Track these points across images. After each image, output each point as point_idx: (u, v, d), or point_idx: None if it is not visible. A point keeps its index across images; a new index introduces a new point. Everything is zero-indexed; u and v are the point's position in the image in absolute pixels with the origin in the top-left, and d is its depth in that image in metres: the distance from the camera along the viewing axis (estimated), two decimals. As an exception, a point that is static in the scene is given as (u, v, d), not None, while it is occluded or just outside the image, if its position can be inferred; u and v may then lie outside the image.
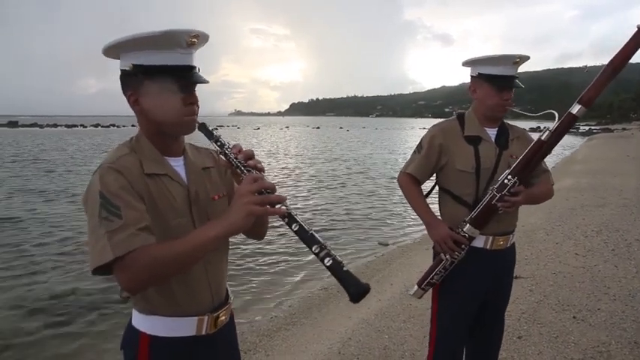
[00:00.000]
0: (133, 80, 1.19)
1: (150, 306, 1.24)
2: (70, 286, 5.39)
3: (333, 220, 9.00)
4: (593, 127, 64.10)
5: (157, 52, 1.14)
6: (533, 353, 3.11)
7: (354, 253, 6.85)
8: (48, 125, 76.19)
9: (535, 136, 1.92)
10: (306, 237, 1.11)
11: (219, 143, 1.27)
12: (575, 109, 1.75)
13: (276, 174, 16.20)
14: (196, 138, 1.33)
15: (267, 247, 6.91)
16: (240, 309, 4.86)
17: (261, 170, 1.23)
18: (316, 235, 1.11)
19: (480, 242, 1.97)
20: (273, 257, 6.54)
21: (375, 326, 3.75)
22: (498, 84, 1.93)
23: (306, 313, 4.61)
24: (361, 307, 4.35)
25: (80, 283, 5.49)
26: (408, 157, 2.19)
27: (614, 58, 1.67)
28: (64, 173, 15.79)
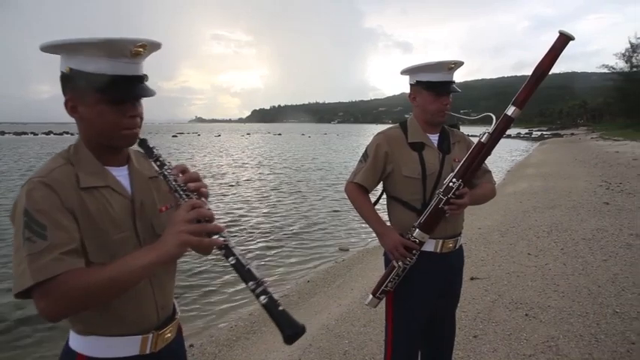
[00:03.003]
0: (70, 85, 1.13)
1: (88, 325, 1.16)
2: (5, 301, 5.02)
3: (293, 227, 8.97)
4: (544, 133, 66.89)
5: (98, 59, 1.08)
6: (488, 351, 3.19)
7: (315, 260, 6.86)
8: (-7, 133, 71.89)
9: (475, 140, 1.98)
10: (242, 272, 1.05)
11: (158, 163, 1.19)
12: (510, 110, 1.82)
13: (234, 181, 16.05)
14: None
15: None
16: (198, 318, 4.76)
17: (204, 195, 1.16)
18: (253, 270, 1.06)
19: (430, 246, 2.01)
20: (228, 264, 6.45)
21: (335, 332, 3.76)
22: (436, 90, 1.99)
23: (266, 320, 4.54)
24: (322, 313, 4.36)
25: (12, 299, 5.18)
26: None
27: (540, 62, 1.75)
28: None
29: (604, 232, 6.20)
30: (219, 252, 1.09)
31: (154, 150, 1.21)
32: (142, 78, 1.16)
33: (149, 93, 1.16)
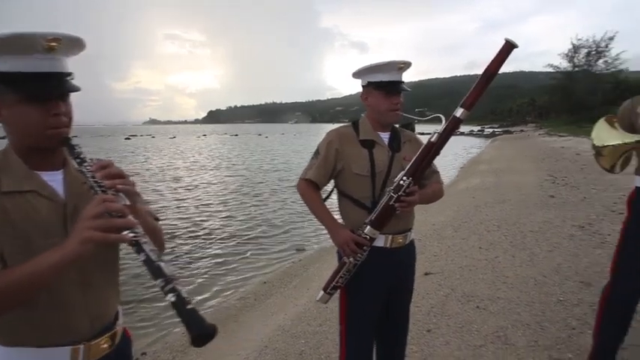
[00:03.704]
0: None
1: (13, 336, 1.11)
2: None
3: (251, 228, 8.90)
4: (496, 130, 69.34)
5: (11, 56, 1.03)
6: (441, 344, 3.26)
7: (272, 261, 6.83)
8: None
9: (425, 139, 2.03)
10: (152, 268, 1.01)
11: (78, 160, 1.14)
12: (459, 112, 1.88)
13: (192, 184, 15.74)
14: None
15: (185, 257, 6.69)
16: (152, 326, 4.63)
17: (124, 192, 1.11)
18: (164, 267, 1.02)
19: (380, 242, 2.03)
20: (187, 267, 6.34)
21: (291, 332, 3.75)
22: (387, 90, 2.03)
23: (221, 324, 4.49)
24: (278, 314, 4.34)
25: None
26: None
27: (487, 67, 1.82)
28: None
29: (549, 225, 6.48)
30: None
31: (76, 148, 1.16)
32: (63, 75, 1.11)
33: (70, 89, 1.11)
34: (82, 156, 1.15)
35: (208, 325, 0.96)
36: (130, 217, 1.05)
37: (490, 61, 1.82)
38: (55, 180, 1.18)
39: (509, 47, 1.78)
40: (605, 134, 2.44)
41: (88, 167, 1.12)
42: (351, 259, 1.99)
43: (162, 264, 1.01)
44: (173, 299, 0.97)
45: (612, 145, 2.37)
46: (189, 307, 0.97)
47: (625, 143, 2.32)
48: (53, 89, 1.10)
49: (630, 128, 2.35)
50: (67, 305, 1.14)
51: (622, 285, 2.49)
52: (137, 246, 1.02)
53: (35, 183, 1.14)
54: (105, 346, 1.23)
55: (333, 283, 2.06)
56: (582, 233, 5.91)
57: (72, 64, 1.16)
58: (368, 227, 1.96)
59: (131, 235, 1.02)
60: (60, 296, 1.13)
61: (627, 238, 2.47)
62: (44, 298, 1.11)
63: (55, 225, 1.13)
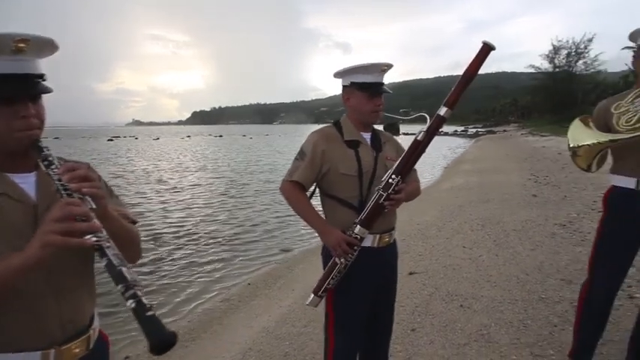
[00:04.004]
0: None
1: None
2: None
3: (236, 230, 8.83)
4: (479, 130, 70.11)
5: None
6: (425, 343, 3.27)
7: (257, 262, 6.78)
8: None
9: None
10: (113, 273, 0.99)
11: (45, 163, 1.12)
12: (443, 111, 1.92)
13: (175, 187, 15.60)
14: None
15: (169, 259, 6.62)
16: (135, 329, 4.57)
17: (93, 196, 1.08)
18: (126, 272, 0.99)
19: (368, 241, 2.04)
20: (172, 270, 6.28)
21: (275, 334, 3.73)
22: (370, 91, 2.04)
23: (206, 326, 4.45)
24: (262, 316, 4.31)
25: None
26: None
27: (467, 68, 1.88)
28: None
29: (532, 223, 6.58)
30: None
31: (44, 150, 1.14)
32: (33, 76, 1.09)
33: (40, 90, 1.09)
34: (49, 158, 1.13)
35: (168, 333, 0.94)
36: (95, 221, 1.03)
37: (469, 62, 1.87)
38: (27, 182, 1.16)
39: (487, 49, 1.84)
40: (580, 134, 2.49)
41: (54, 170, 1.10)
42: (342, 259, 1.98)
43: (124, 269, 0.99)
44: (133, 305, 0.95)
45: (587, 145, 2.42)
46: (148, 313, 0.95)
47: (599, 142, 2.36)
48: (21, 91, 1.08)
49: (605, 128, 2.40)
50: (38, 309, 1.12)
51: (599, 282, 2.54)
52: (100, 250, 1.01)
53: (5, 185, 1.12)
54: (77, 350, 1.21)
55: (325, 285, 2.04)
56: (564, 231, 6.01)
57: (52, 65, 1.14)
58: (358, 227, 1.97)
59: (94, 239, 1.00)
60: (31, 300, 1.11)
61: (604, 236, 2.53)
62: (15, 302, 1.09)
63: (26, 227, 1.11)
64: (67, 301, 1.18)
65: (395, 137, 2.27)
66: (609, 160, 2.49)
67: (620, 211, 2.44)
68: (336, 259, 2.00)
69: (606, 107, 2.44)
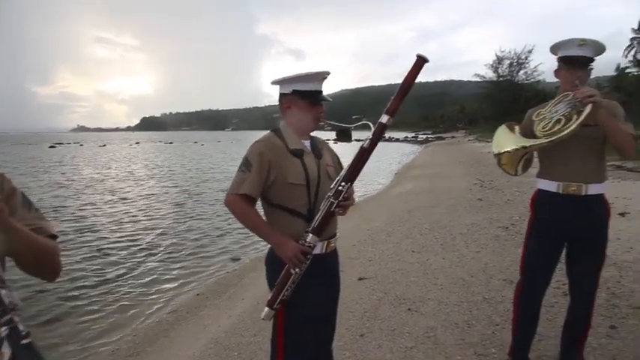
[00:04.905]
0: None
1: None
2: None
3: (183, 239, 8.61)
4: (429, 136, 72.14)
5: None
6: (374, 348, 3.29)
7: (206, 272, 6.65)
8: None
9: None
10: None
11: None
12: (384, 119, 1.97)
13: (120, 197, 15.06)
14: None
15: (116, 271, 6.36)
16: (78, 344, 4.35)
17: None
18: (4, 295, 0.93)
19: (317, 249, 2.03)
20: (118, 283, 6.04)
21: (224, 344, 3.65)
22: (312, 99, 2.05)
23: (151, 340, 4.30)
24: (211, 326, 4.22)
25: None
26: None
27: (404, 79, 1.96)
28: None
29: (477, 226, 6.80)
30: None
31: None
32: None
33: None
34: None
35: None
36: None
37: (407, 73, 1.95)
38: None
39: (421, 62, 1.93)
40: (503, 140, 2.63)
41: None
42: (297, 269, 1.96)
43: (2, 292, 0.93)
44: (6, 332, 0.87)
45: (507, 152, 2.55)
46: (24, 342, 0.88)
47: (523, 147, 2.49)
48: None
49: (530, 135, 2.54)
50: None
51: (529, 281, 2.70)
52: None
53: None
54: None
55: (280, 297, 1.99)
56: (506, 234, 6.25)
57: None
58: (310, 235, 1.95)
59: None
60: None
61: (531, 237, 2.68)
62: None
63: None
64: None
65: (337, 143, 2.29)
66: (536, 164, 2.64)
67: (545, 213, 2.59)
68: (291, 270, 1.97)
69: (530, 115, 2.61)
